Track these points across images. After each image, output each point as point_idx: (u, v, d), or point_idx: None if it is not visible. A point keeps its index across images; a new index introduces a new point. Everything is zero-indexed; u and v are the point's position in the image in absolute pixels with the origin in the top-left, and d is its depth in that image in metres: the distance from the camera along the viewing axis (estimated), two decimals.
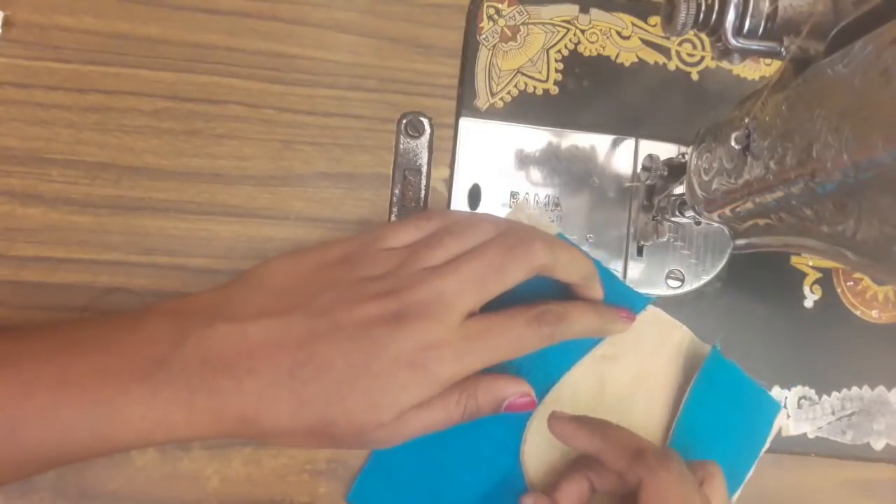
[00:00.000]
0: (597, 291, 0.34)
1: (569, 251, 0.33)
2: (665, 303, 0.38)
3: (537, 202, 0.39)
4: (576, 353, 0.36)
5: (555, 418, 0.34)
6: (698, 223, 0.34)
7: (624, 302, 0.36)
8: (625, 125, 0.39)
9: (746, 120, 0.26)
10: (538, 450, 0.36)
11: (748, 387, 0.38)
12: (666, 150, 0.39)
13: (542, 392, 0.35)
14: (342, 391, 0.28)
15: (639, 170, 0.39)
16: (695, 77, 0.40)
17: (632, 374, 0.37)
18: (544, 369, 0.35)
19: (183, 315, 0.30)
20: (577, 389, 0.36)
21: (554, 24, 0.39)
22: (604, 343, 0.36)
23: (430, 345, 0.29)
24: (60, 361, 0.28)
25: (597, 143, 0.39)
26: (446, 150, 0.38)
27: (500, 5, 0.38)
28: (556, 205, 0.39)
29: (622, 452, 0.31)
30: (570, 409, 0.35)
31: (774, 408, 0.38)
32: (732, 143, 0.27)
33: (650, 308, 0.37)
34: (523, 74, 0.38)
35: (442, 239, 0.31)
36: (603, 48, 0.39)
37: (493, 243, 0.31)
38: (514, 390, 0.32)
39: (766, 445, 0.38)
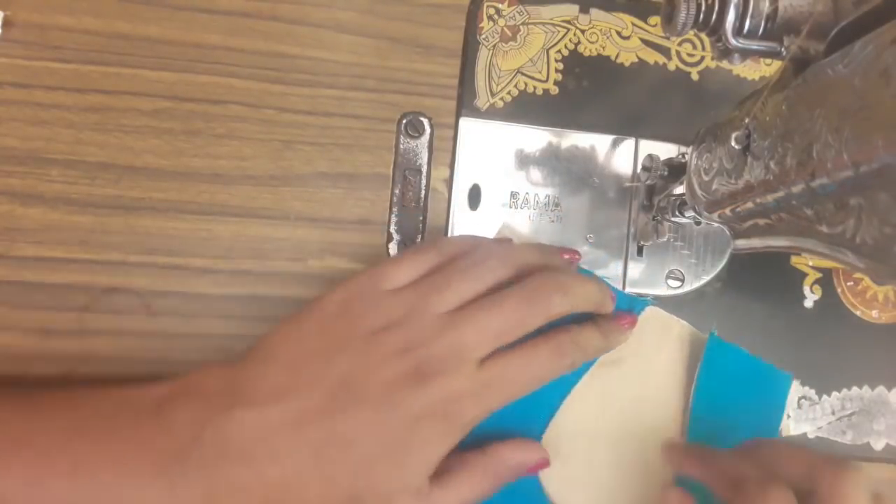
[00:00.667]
0: (608, 309, 0.34)
1: (582, 286, 0.32)
2: (665, 303, 0.38)
3: (537, 202, 0.39)
4: (580, 368, 0.36)
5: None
6: (698, 223, 0.34)
7: (622, 306, 0.36)
8: (625, 125, 0.39)
9: (746, 120, 0.26)
10: (554, 469, 0.35)
11: (754, 365, 0.38)
12: (666, 150, 0.39)
13: (551, 409, 0.35)
14: (369, 462, 0.28)
15: (639, 170, 0.39)
16: (695, 77, 0.40)
17: (637, 375, 0.37)
18: (552, 387, 0.35)
19: (200, 400, 0.29)
20: (586, 400, 0.36)
21: (554, 24, 0.39)
22: None
23: (451, 397, 0.29)
24: (75, 448, 0.27)
25: (597, 143, 0.39)
26: (446, 150, 0.38)
27: (500, 5, 0.38)
28: (556, 205, 0.39)
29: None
30: (581, 421, 0.35)
31: (785, 380, 0.38)
32: (732, 143, 0.27)
33: (647, 307, 0.37)
34: (523, 74, 0.38)
35: (450, 279, 0.31)
36: (603, 48, 0.39)
37: (510, 295, 0.30)
38: (535, 457, 0.32)
39: (784, 417, 0.38)
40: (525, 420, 0.35)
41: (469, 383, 0.29)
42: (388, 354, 0.29)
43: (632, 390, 0.37)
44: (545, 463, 0.33)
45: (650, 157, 0.38)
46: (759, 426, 0.38)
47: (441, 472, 0.29)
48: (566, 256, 0.35)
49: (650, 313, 0.37)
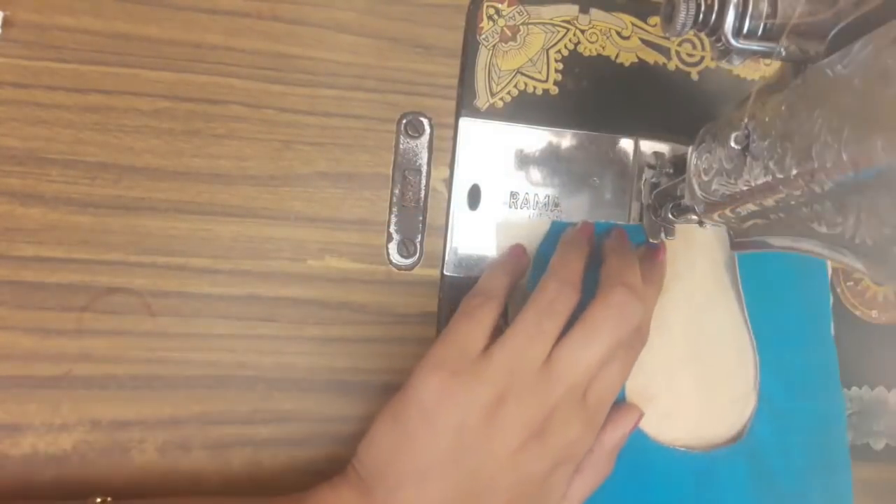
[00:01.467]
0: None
1: (635, 274, 0.33)
2: None
3: (537, 202, 0.39)
4: None
5: None
6: (702, 224, 0.34)
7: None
8: (624, 125, 0.39)
9: (746, 120, 0.26)
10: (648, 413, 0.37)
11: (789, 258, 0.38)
12: (666, 151, 0.39)
13: None
14: None
15: (644, 167, 0.39)
16: (694, 77, 0.40)
17: (684, 296, 0.38)
18: None
19: None
20: (650, 341, 0.37)
21: (554, 24, 0.39)
22: None
23: (573, 444, 0.31)
24: None
25: (597, 143, 0.39)
26: (446, 150, 0.38)
27: (499, 5, 0.38)
28: (556, 205, 0.39)
29: None
30: (654, 359, 0.37)
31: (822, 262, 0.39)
32: (732, 144, 0.27)
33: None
34: (523, 74, 0.38)
35: (541, 323, 0.31)
36: (603, 48, 0.39)
37: (600, 323, 0.31)
38: (633, 420, 0.35)
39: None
40: None
41: (583, 423, 0.31)
42: (511, 433, 0.29)
43: (686, 311, 0.38)
44: (641, 417, 0.35)
45: (656, 154, 0.38)
46: (808, 296, 0.39)
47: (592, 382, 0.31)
48: (585, 236, 0.36)
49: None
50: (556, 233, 0.37)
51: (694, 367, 0.38)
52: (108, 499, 0.31)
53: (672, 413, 0.37)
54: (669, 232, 0.37)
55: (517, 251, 0.37)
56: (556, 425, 0.30)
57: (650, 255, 0.37)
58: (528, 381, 0.30)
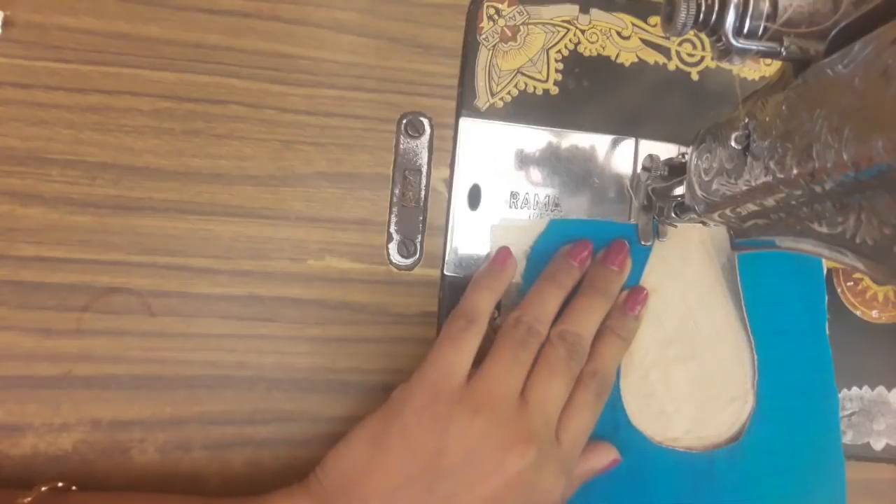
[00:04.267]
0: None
1: (604, 305, 0.35)
2: None
3: (537, 202, 0.39)
4: None
5: None
6: (704, 223, 0.34)
7: (612, 233, 0.37)
8: (625, 125, 0.39)
9: (746, 120, 0.26)
10: (635, 384, 0.38)
11: (784, 256, 0.38)
12: (666, 150, 0.39)
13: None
14: None
15: (639, 170, 0.39)
16: (695, 77, 0.40)
17: (677, 295, 0.38)
18: None
19: None
20: (642, 340, 0.38)
21: (554, 24, 0.39)
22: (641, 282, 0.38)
23: (545, 484, 0.30)
24: None
25: (597, 143, 0.39)
26: (446, 150, 0.38)
27: (500, 5, 0.38)
28: (556, 205, 0.39)
29: None
30: (648, 356, 0.38)
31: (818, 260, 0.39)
32: (732, 144, 0.27)
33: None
34: (523, 74, 0.38)
35: (518, 356, 0.32)
36: (603, 48, 0.39)
37: (563, 364, 0.33)
38: (607, 461, 0.35)
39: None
40: None
41: (556, 464, 0.31)
42: (492, 468, 0.29)
43: (680, 310, 0.38)
44: (615, 462, 0.35)
45: (650, 157, 0.38)
46: (804, 293, 0.39)
47: (560, 424, 0.32)
48: (577, 264, 0.36)
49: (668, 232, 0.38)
50: (554, 232, 0.37)
51: (690, 365, 0.38)
52: (60, 484, 0.31)
53: (669, 412, 0.37)
54: (662, 234, 0.37)
55: (501, 258, 0.36)
56: (536, 466, 0.30)
57: (627, 306, 0.36)
58: (509, 413, 0.31)
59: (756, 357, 0.38)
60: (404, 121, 0.37)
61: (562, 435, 0.32)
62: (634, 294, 0.36)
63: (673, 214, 0.35)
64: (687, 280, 0.38)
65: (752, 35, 0.24)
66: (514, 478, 0.29)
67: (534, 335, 0.33)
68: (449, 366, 0.31)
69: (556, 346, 0.33)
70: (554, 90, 0.39)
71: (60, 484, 0.31)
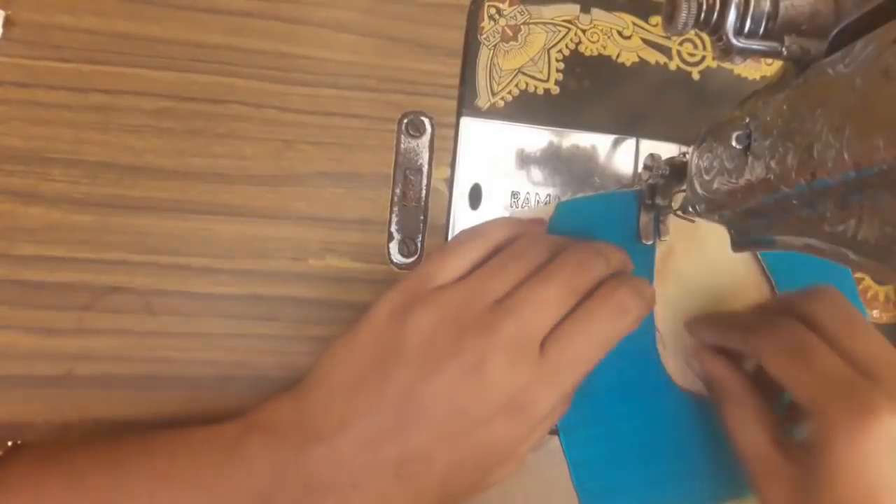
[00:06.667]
0: (631, 269, 0.34)
1: (612, 250, 0.32)
2: None
3: (538, 202, 0.39)
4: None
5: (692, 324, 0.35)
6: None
7: (620, 204, 0.37)
8: (626, 125, 0.39)
9: (747, 119, 0.26)
10: (671, 345, 0.38)
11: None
12: (667, 150, 0.39)
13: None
14: (450, 471, 0.28)
15: (640, 169, 0.39)
16: (696, 77, 0.40)
17: (696, 249, 0.39)
18: None
19: (274, 437, 0.29)
20: (669, 301, 0.38)
21: (555, 24, 0.39)
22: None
23: (520, 392, 0.28)
24: (160, 500, 0.27)
25: (598, 142, 0.39)
26: (447, 150, 0.38)
27: (501, 5, 0.38)
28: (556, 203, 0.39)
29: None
30: (674, 319, 0.38)
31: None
32: (733, 143, 0.27)
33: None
34: (524, 74, 0.38)
35: (504, 264, 0.30)
36: (604, 48, 0.39)
37: (557, 267, 0.30)
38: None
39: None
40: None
41: (535, 372, 0.28)
42: (446, 357, 0.28)
43: (700, 263, 0.39)
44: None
45: (652, 156, 0.38)
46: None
47: (552, 335, 0.29)
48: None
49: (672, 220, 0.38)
50: (564, 214, 0.37)
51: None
52: (9, 443, 0.31)
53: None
54: (662, 233, 0.37)
55: (536, 221, 0.35)
56: (500, 365, 0.27)
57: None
58: (476, 312, 0.28)
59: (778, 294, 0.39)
60: (405, 120, 0.37)
61: (548, 347, 0.29)
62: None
63: (679, 211, 0.35)
64: (703, 234, 0.39)
65: (752, 34, 0.24)
66: (469, 368, 0.27)
67: (534, 251, 0.30)
68: (430, 271, 0.30)
69: (567, 256, 0.30)
70: (555, 90, 0.39)
71: (10, 443, 0.31)
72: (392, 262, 0.37)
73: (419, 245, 0.37)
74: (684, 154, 0.34)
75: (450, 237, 0.37)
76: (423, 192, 0.37)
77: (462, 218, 0.38)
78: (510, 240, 0.32)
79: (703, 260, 0.39)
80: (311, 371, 0.31)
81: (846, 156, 0.20)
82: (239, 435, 0.29)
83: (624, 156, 0.39)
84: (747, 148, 0.26)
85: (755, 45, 0.24)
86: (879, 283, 0.41)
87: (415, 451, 0.28)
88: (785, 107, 0.24)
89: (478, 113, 0.38)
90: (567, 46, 0.39)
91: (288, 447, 0.28)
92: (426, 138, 0.38)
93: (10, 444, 0.31)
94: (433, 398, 0.28)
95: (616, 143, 0.39)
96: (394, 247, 0.37)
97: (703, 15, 0.25)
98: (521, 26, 0.39)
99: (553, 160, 0.39)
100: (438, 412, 0.28)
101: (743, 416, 0.33)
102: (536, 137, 0.39)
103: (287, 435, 0.29)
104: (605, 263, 0.31)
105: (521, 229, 0.33)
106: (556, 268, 0.30)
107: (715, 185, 0.29)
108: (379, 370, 0.28)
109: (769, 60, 0.41)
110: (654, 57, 0.40)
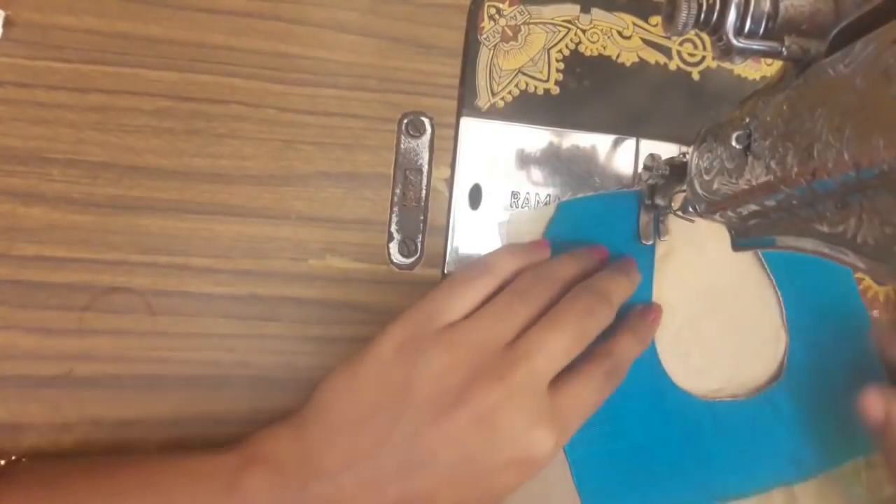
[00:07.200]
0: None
1: (618, 289, 0.33)
2: None
3: (538, 202, 0.39)
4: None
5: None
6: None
7: (621, 203, 0.38)
8: (626, 125, 0.39)
9: (747, 120, 0.26)
10: (669, 345, 0.38)
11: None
12: (667, 150, 0.39)
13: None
14: None
15: (640, 169, 0.39)
16: (696, 77, 0.40)
17: (695, 250, 0.39)
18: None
19: (275, 472, 0.28)
20: (668, 301, 0.38)
21: (555, 24, 0.39)
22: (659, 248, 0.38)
23: (530, 445, 0.28)
24: None
25: (598, 142, 0.39)
26: (447, 150, 0.38)
27: (501, 5, 0.38)
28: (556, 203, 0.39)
29: None
30: (673, 320, 0.38)
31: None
32: (733, 143, 0.27)
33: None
34: (524, 74, 0.38)
35: (512, 304, 0.30)
36: (604, 48, 0.39)
37: (567, 314, 0.30)
38: (650, 334, 0.34)
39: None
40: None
41: (543, 417, 0.28)
42: (457, 403, 0.28)
43: (699, 263, 0.39)
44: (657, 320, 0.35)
45: (652, 156, 0.38)
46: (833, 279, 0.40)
47: (559, 384, 0.30)
48: (596, 256, 0.36)
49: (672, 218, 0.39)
50: (565, 214, 0.37)
51: (718, 316, 0.39)
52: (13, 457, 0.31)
53: (706, 366, 0.38)
54: (662, 233, 0.37)
55: (541, 243, 0.35)
56: (512, 415, 0.28)
57: (643, 312, 0.36)
58: (487, 357, 0.28)
59: (780, 294, 0.39)
60: (405, 120, 0.37)
61: (554, 394, 0.29)
62: (649, 306, 0.37)
63: (679, 211, 0.35)
64: (703, 234, 0.39)
65: (752, 34, 0.24)
66: (481, 416, 0.27)
67: (540, 289, 0.31)
68: (438, 307, 0.30)
69: (576, 296, 0.31)
70: (555, 90, 0.39)
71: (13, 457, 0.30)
72: (392, 262, 0.37)
73: (419, 245, 0.37)
74: (684, 154, 0.34)
75: (450, 237, 0.37)
76: (423, 192, 0.37)
77: (462, 218, 0.38)
78: (517, 273, 0.32)
79: (703, 260, 0.39)
80: (311, 401, 0.30)
81: (846, 156, 0.20)
82: (239, 467, 0.29)
83: (624, 156, 0.39)
84: (747, 148, 0.26)
85: (755, 45, 0.24)
86: (879, 283, 0.41)
87: (418, 494, 0.28)
88: (785, 107, 0.24)
89: (478, 113, 0.38)
90: (567, 46, 0.39)
91: (289, 483, 0.28)
92: (426, 138, 0.38)
93: (13, 458, 0.31)
94: (442, 443, 0.28)
95: (616, 143, 0.39)
96: (394, 247, 0.37)
97: (703, 15, 0.25)
98: (521, 26, 0.39)
99: (553, 160, 0.39)
100: (446, 458, 0.28)
101: None
102: (536, 137, 0.39)
103: (288, 470, 0.28)
104: (611, 309, 0.32)
105: (526, 259, 0.33)
106: (566, 313, 0.30)
107: (715, 186, 0.29)
108: (386, 410, 0.28)
109: (769, 60, 0.41)
110: (654, 57, 0.40)
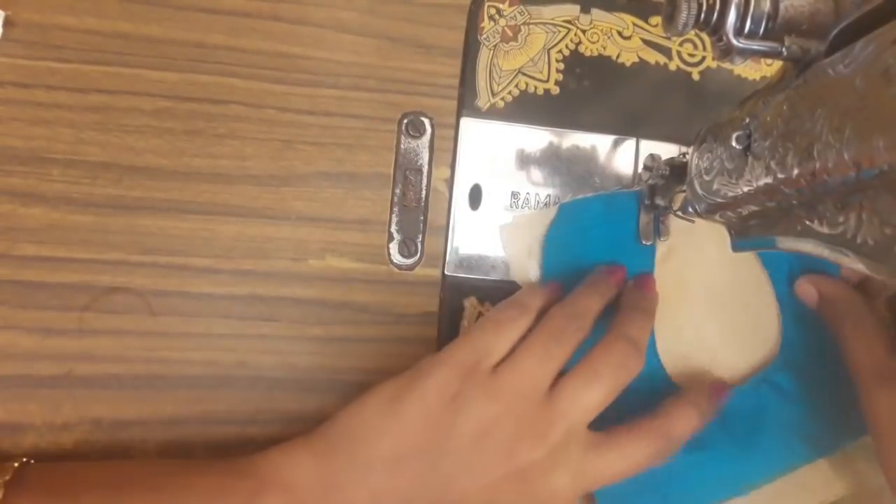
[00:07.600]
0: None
1: (644, 332, 0.33)
2: None
3: (538, 202, 0.39)
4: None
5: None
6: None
7: (621, 204, 0.37)
8: (626, 125, 0.39)
9: (747, 120, 0.26)
10: (670, 344, 0.38)
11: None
12: (667, 151, 0.39)
13: None
14: None
15: (640, 170, 0.39)
16: (696, 77, 0.40)
17: (693, 249, 0.39)
18: None
19: (295, 499, 0.28)
20: (669, 302, 0.37)
21: (555, 24, 0.39)
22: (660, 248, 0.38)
23: (559, 495, 0.29)
24: None
25: (598, 143, 0.39)
26: (447, 150, 0.38)
27: (501, 5, 0.38)
28: (557, 205, 0.39)
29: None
30: (673, 320, 0.38)
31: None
32: (733, 143, 0.27)
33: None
34: (524, 74, 0.38)
35: (548, 349, 0.31)
36: (604, 48, 0.39)
37: (604, 367, 0.31)
38: (707, 416, 0.34)
39: None
40: None
41: (573, 477, 0.29)
42: (497, 458, 0.28)
43: (701, 265, 0.39)
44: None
45: (652, 156, 0.38)
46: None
47: (600, 442, 0.30)
48: (615, 281, 0.36)
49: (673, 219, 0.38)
50: (566, 215, 0.37)
51: (718, 316, 0.38)
52: (24, 459, 0.30)
53: (707, 366, 0.38)
54: (662, 233, 0.37)
55: (556, 288, 0.35)
56: (547, 474, 0.29)
57: (641, 285, 0.36)
58: (529, 408, 0.29)
59: (775, 290, 0.38)
60: (405, 121, 0.37)
61: (590, 449, 0.30)
62: (643, 277, 0.37)
63: (679, 212, 0.35)
64: (703, 234, 0.38)
65: (752, 35, 0.24)
66: (518, 473, 0.28)
67: (572, 329, 0.31)
68: (484, 348, 0.31)
69: (610, 349, 0.31)
70: (555, 90, 0.39)
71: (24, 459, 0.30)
72: (392, 262, 0.37)
73: (419, 245, 0.37)
74: (684, 154, 0.34)
75: (450, 237, 0.37)
76: (423, 192, 0.37)
77: (462, 218, 0.38)
78: (544, 309, 0.33)
79: (703, 260, 0.39)
80: (338, 429, 0.30)
81: (846, 156, 0.20)
82: (255, 492, 0.28)
83: (624, 156, 0.39)
84: (747, 148, 0.26)
85: (755, 45, 0.24)
86: None
87: None
88: (785, 107, 0.24)
89: (478, 113, 0.38)
90: (567, 47, 0.39)
91: None
92: (426, 138, 0.38)
93: (23, 460, 0.31)
94: (476, 493, 0.28)
95: (616, 144, 0.39)
96: (394, 247, 0.37)
97: (703, 15, 0.25)
98: (521, 26, 0.39)
99: (553, 160, 0.39)
100: None
101: (861, 330, 0.33)
102: (536, 138, 0.39)
103: (308, 496, 0.28)
104: (642, 358, 0.32)
105: (550, 298, 0.34)
106: (602, 367, 0.31)
107: (715, 186, 0.29)
108: (427, 454, 0.28)
109: (769, 60, 0.41)
110: (654, 57, 0.40)
